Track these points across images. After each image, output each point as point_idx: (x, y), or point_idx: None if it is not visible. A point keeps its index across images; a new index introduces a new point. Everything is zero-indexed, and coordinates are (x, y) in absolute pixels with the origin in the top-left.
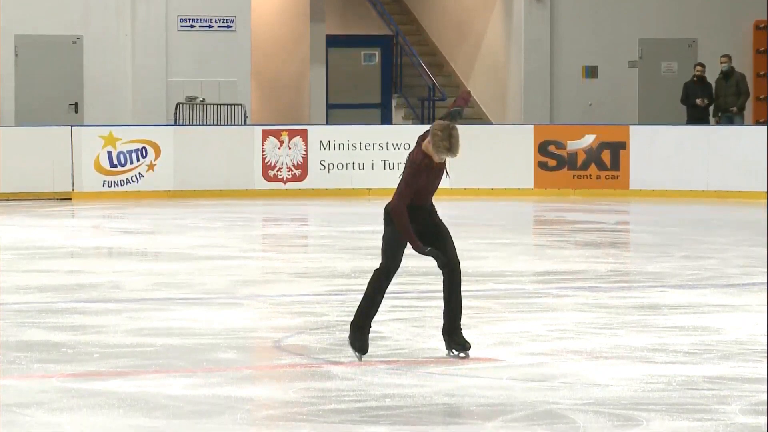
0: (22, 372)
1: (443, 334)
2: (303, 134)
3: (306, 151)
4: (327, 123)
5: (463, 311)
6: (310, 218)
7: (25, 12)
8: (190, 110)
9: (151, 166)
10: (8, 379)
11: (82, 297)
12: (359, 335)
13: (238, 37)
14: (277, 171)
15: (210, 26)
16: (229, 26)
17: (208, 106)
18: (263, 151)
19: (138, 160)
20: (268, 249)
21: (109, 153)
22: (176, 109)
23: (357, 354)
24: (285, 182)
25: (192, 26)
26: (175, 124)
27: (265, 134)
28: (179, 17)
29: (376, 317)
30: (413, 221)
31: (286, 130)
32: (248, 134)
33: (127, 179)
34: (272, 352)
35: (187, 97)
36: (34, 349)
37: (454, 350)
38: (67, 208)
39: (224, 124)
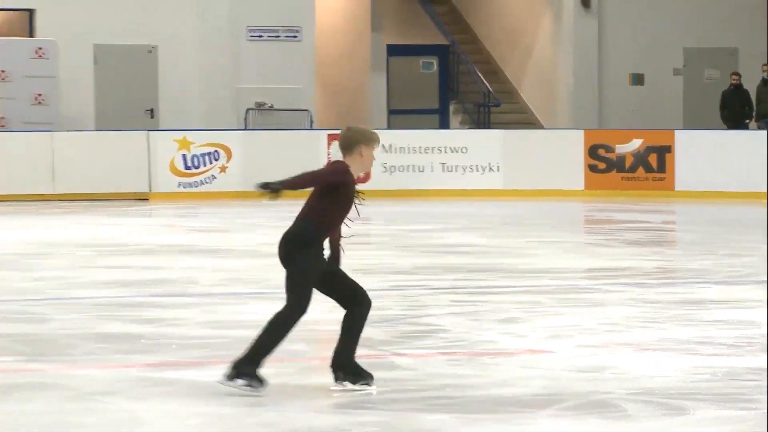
0: (103, 362)
1: (337, 366)
2: None
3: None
4: (388, 128)
5: (517, 305)
6: (373, 218)
7: (103, 22)
8: (259, 115)
9: (222, 168)
10: (90, 368)
11: (159, 291)
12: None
13: (304, 47)
14: None
15: (277, 36)
16: (295, 36)
17: (276, 111)
18: (328, 154)
19: (210, 162)
20: None
21: (184, 156)
22: (246, 114)
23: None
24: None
25: (260, 36)
26: (245, 129)
27: (330, 138)
28: (248, 28)
29: (435, 311)
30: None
31: None
32: (314, 138)
33: (200, 180)
34: (335, 343)
35: (257, 103)
36: (113, 341)
37: (350, 382)
38: (144, 207)
39: (291, 129)
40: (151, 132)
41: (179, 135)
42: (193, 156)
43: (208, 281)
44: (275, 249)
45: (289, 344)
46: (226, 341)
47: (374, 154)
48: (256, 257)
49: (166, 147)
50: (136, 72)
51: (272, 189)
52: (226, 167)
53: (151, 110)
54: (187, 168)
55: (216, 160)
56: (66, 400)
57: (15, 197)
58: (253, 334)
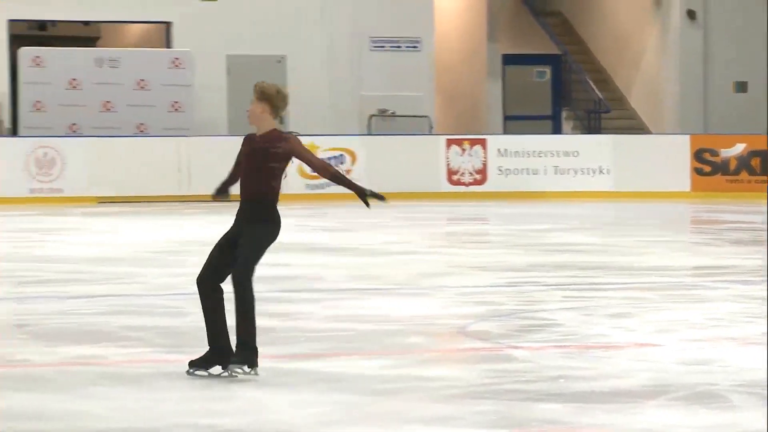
0: None
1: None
2: (482, 143)
3: (485, 157)
4: (504, 133)
5: (627, 301)
6: (489, 218)
7: (236, 34)
8: (382, 121)
9: (347, 171)
10: None
11: (288, 287)
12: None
13: (423, 56)
14: (459, 176)
15: (398, 46)
16: (415, 46)
17: (397, 117)
18: (447, 158)
19: (336, 166)
20: (451, 245)
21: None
22: (369, 120)
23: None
24: (467, 186)
25: (382, 47)
26: (369, 134)
27: (449, 143)
28: (371, 39)
29: (548, 306)
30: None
31: (467, 139)
32: (433, 143)
33: (326, 183)
34: (456, 336)
35: (379, 110)
36: None
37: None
38: None
39: (411, 134)
40: None
41: (307, 140)
42: None
43: (333, 277)
44: (397, 247)
45: (406, 337)
46: (350, 334)
47: (252, 107)
48: (378, 255)
49: None
50: (266, 80)
51: (380, 197)
52: (351, 170)
53: (281, 117)
54: (313, 171)
55: (341, 163)
56: (204, 388)
57: (153, 198)
58: (375, 327)
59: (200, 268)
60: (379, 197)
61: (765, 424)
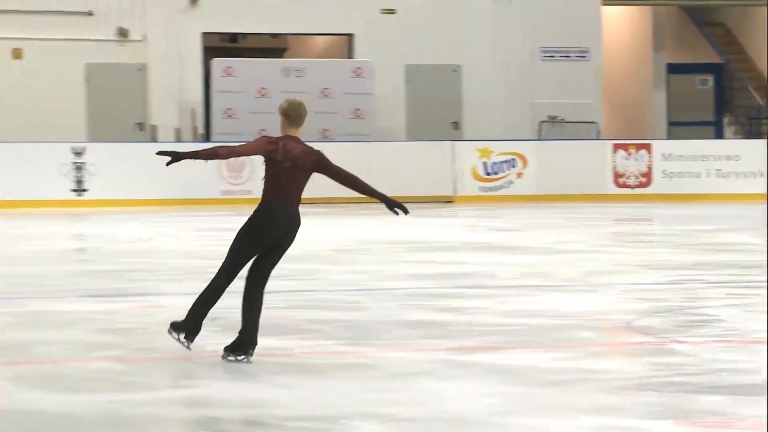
0: (413, 346)
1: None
2: (648, 147)
3: (650, 161)
4: (668, 138)
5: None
6: (654, 219)
7: (414, 45)
8: (551, 127)
9: (519, 174)
10: (401, 351)
11: (461, 283)
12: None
13: (591, 65)
14: (625, 178)
15: (568, 56)
16: (583, 56)
17: (566, 123)
18: (614, 162)
19: (508, 169)
20: (617, 244)
21: (484, 163)
22: (540, 126)
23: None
24: (632, 188)
25: (553, 56)
26: (539, 139)
27: (615, 147)
28: (542, 49)
29: (711, 303)
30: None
31: (633, 144)
32: (600, 147)
33: (499, 185)
34: (623, 331)
35: (549, 116)
36: (421, 327)
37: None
38: (449, 209)
39: (579, 139)
40: (455, 142)
41: (481, 145)
42: (493, 163)
43: (505, 275)
44: (566, 246)
45: (575, 331)
46: (521, 328)
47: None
48: (549, 253)
49: (468, 155)
50: (443, 89)
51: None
52: (522, 173)
53: (456, 123)
54: (488, 174)
55: (513, 167)
56: (380, 379)
57: (334, 200)
58: (544, 322)
59: (377, 266)
60: (404, 210)
61: None
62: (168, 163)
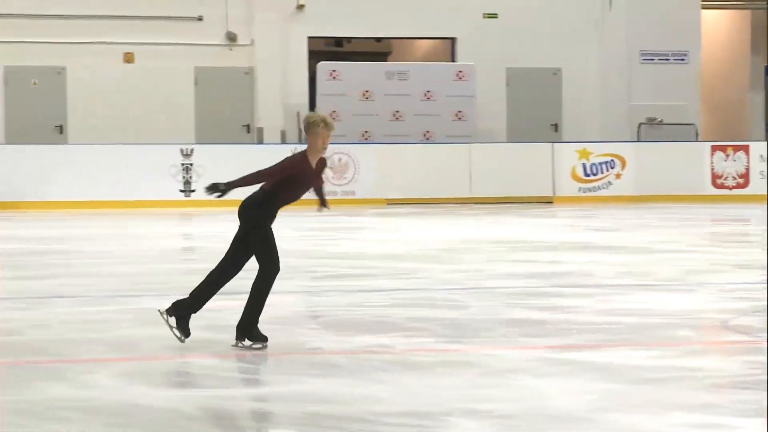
0: (512, 344)
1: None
2: (745, 149)
3: (748, 163)
4: (766, 139)
5: None
6: (752, 219)
7: (515, 49)
8: (650, 129)
9: (617, 176)
10: (501, 349)
11: (560, 282)
12: (257, 331)
13: (690, 68)
14: (723, 179)
15: (667, 59)
16: (682, 59)
17: (665, 125)
18: (712, 163)
19: (607, 170)
20: (714, 244)
21: (583, 164)
22: (638, 128)
23: (262, 344)
24: (730, 189)
25: (651, 59)
26: (638, 141)
27: (714, 149)
28: (641, 52)
29: None
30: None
31: (731, 145)
32: (698, 149)
33: (597, 186)
34: (720, 330)
35: (648, 118)
36: (521, 325)
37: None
38: (548, 209)
39: (678, 141)
40: (555, 144)
41: (580, 146)
42: (592, 164)
43: (603, 274)
44: (663, 246)
45: (672, 330)
46: (618, 327)
47: (321, 134)
48: (646, 253)
49: (568, 157)
50: (543, 91)
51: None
52: (621, 174)
53: (556, 125)
54: (587, 175)
55: (612, 168)
56: (481, 376)
57: (437, 200)
58: (641, 320)
59: (478, 265)
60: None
61: None
62: (218, 197)
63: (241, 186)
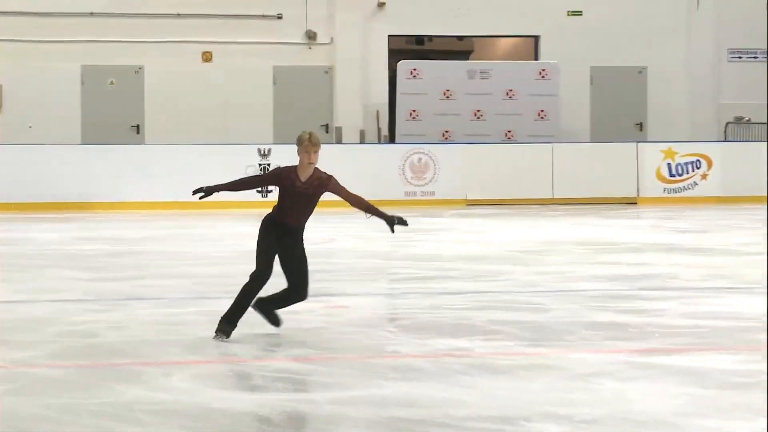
0: (594, 347)
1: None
2: None
3: None
4: None
5: None
6: None
7: (599, 47)
8: (738, 128)
9: (703, 176)
10: (583, 352)
11: (644, 285)
12: (226, 326)
13: None
14: None
15: (755, 57)
16: None
17: (753, 125)
18: None
19: (692, 170)
20: None
21: (668, 164)
22: (725, 127)
23: (221, 336)
24: None
25: (739, 57)
26: (725, 141)
27: None
28: (729, 50)
29: None
30: (272, 233)
31: None
32: None
33: (683, 186)
34: None
35: (735, 117)
36: (603, 328)
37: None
38: (632, 210)
39: (767, 141)
40: (639, 143)
41: (665, 146)
42: (677, 164)
43: (688, 276)
44: (751, 248)
45: (758, 334)
46: (704, 330)
47: (307, 150)
48: (734, 255)
49: (652, 157)
50: (628, 90)
51: (404, 222)
52: (707, 175)
53: (640, 124)
54: (672, 175)
55: (698, 168)
56: (563, 380)
57: (519, 201)
58: (728, 324)
59: (560, 267)
60: (404, 223)
61: None
62: (201, 198)
63: (226, 190)
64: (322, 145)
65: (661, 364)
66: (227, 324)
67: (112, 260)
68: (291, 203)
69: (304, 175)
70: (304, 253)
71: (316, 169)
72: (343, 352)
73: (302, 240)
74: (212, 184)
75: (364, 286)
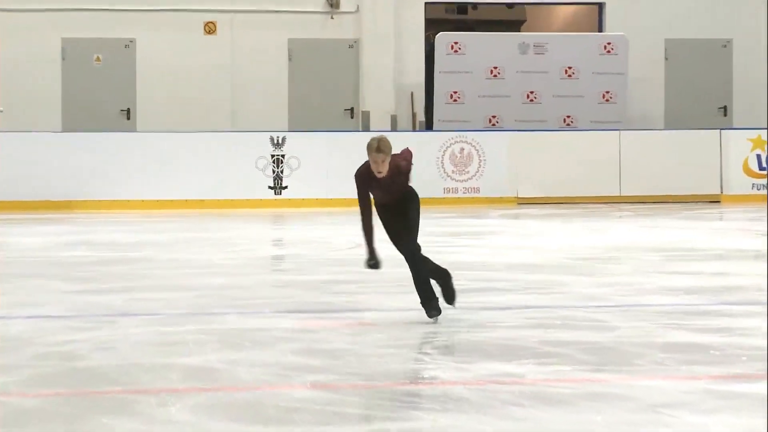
0: (668, 373)
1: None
2: None
3: None
4: None
5: None
6: None
7: (675, 16)
8: None
9: None
10: (655, 379)
11: (728, 299)
12: (433, 303)
13: None
14: None
15: None
16: None
17: None
18: None
19: None
20: None
21: (758, 156)
22: None
23: (436, 314)
24: None
25: None
26: None
27: None
28: None
29: None
30: (382, 213)
31: None
32: None
33: None
34: None
35: None
36: (679, 351)
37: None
38: (714, 210)
39: None
40: (723, 131)
41: (753, 134)
42: None
43: None
44: None
45: None
46: None
47: (374, 160)
48: None
49: (739, 146)
50: (710, 68)
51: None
52: None
53: (725, 108)
54: (762, 169)
55: None
56: (631, 412)
57: (580, 199)
58: None
59: (628, 278)
60: (374, 267)
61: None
62: (375, 267)
63: (371, 235)
64: (348, 134)
65: (748, 393)
66: (430, 301)
67: (100, 269)
68: (380, 193)
69: (378, 173)
70: (412, 213)
71: (393, 157)
72: (371, 378)
73: (411, 201)
74: (365, 243)
75: (395, 300)
